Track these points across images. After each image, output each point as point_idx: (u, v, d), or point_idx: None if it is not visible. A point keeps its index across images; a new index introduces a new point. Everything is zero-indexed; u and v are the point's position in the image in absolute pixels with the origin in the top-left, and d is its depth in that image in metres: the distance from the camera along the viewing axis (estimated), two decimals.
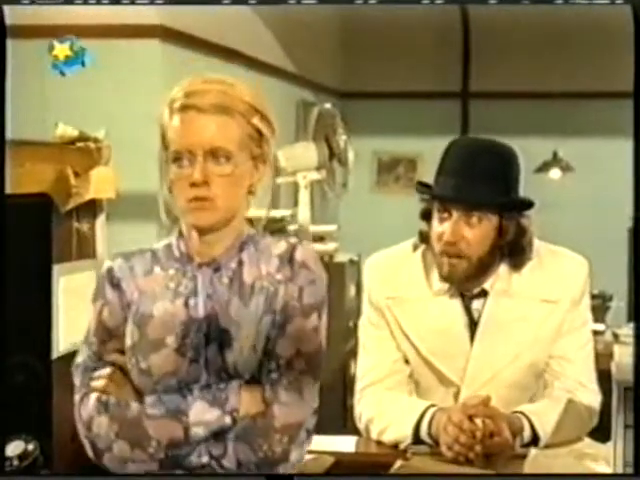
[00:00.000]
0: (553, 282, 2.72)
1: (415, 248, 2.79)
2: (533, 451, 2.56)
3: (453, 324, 2.71)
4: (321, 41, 6.70)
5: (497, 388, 2.68)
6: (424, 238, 2.73)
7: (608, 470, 2.29)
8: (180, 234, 2.13)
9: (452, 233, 2.62)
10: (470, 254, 2.64)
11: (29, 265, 2.92)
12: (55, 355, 2.98)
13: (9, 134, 2.21)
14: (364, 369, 2.80)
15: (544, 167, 6.85)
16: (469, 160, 2.65)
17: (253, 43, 4.99)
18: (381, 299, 2.77)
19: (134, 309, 2.11)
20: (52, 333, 3.00)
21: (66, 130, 3.17)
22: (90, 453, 2.07)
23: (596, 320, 3.16)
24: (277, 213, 4.17)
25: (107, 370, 2.10)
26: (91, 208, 3.25)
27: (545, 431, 2.62)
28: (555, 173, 6.92)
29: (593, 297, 2.89)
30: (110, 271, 2.15)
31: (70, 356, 2.92)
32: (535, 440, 2.61)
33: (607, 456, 2.33)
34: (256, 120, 2.08)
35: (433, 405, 2.66)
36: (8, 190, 2.24)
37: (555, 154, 6.90)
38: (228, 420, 2.02)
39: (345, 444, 2.75)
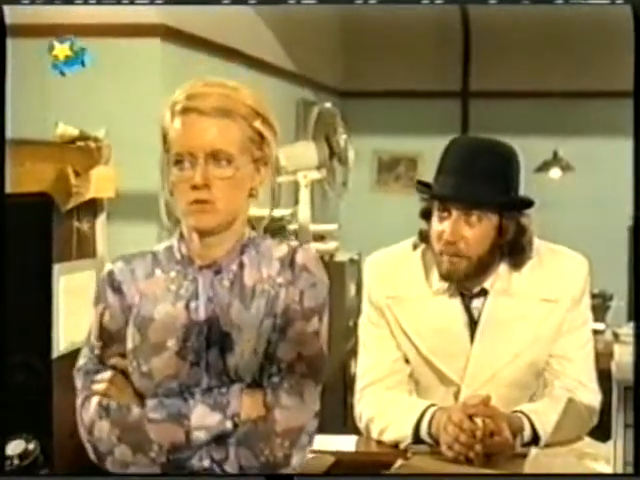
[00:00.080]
0: (553, 281, 2.72)
1: (415, 247, 2.79)
2: (533, 450, 2.56)
3: (453, 323, 2.71)
4: (321, 40, 6.70)
5: (497, 387, 2.68)
6: (424, 237, 2.73)
7: (608, 469, 2.29)
8: (181, 236, 2.13)
9: (452, 232, 2.62)
10: (470, 253, 2.64)
11: (29, 264, 2.93)
12: (55, 354, 2.99)
13: (9, 133, 2.21)
14: (364, 368, 2.80)
15: (544, 166, 6.85)
16: (469, 159, 2.65)
17: (253, 42, 4.99)
18: (381, 298, 2.77)
19: (135, 312, 2.11)
20: (52, 332, 3.00)
21: (66, 129, 3.17)
22: (92, 457, 2.07)
23: (596, 319, 3.16)
24: (277, 212, 4.17)
25: (108, 374, 2.10)
26: (91, 207, 3.26)
27: (545, 430, 2.62)
28: (555, 172, 6.92)
29: (593, 296, 2.89)
30: (111, 274, 2.15)
31: (70, 355, 2.93)
32: (535, 439, 2.61)
33: (607, 455, 2.32)
34: (258, 123, 2.08)
35: (433, 404, 2.66)
36: (8, 189, 2.24)
37: (555, 153, 6.90)
38: (229, 425, 2.02)
39: (345, 443, 2.75)
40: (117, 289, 2.14)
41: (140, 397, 2.07)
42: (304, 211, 4.65)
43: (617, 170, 5.64)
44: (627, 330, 2.26)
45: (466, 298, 2.72)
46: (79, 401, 2.10)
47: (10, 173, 2.26)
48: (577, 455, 2.56)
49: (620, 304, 5.21)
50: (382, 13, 6.01)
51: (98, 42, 3.26)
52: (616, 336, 2.50)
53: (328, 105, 5.20)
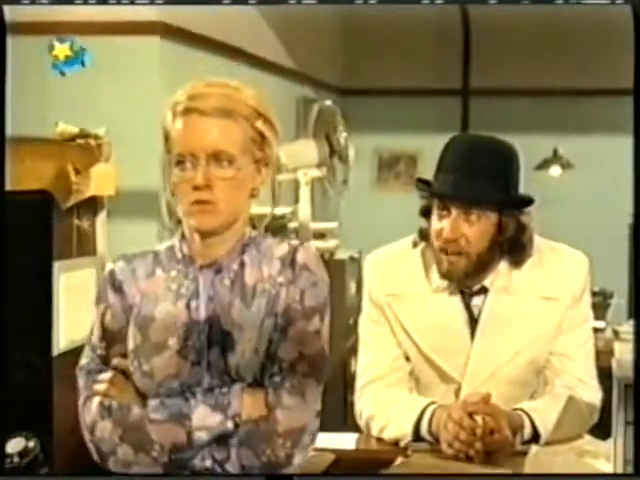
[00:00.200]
0: (553, 279, 2.72)
1: (415, 245, 2.79)
2: (534, 448, 2.56)
3: (453, 321, 2.71)
4: (322, 38, 6.69)
5: (497, 385, 2.68)
6: (424, 235, 2.73)
7: (608, 467, 2.29)
8: (183, 236, 2.13)
9: (451, 230, 2.62)
10: (469, 251, 2.64)
11: (29, 262, 2.92)
12: (56, 352, 2.98)
13: (9, 131, 2.21)
14: (364, 366, 2.80)
15: (544, 164, 6.84)
16: (469, 157, 2.65)
17: (253, 40, 4.98)
18: (381, 296, 2.77)
19: (136, 312, 2.11)
20: (53, 330, 3.00)
21: (66, 127, 3.18)
22: (95, 457, 2.07)
23: (597, 317, 3.16)
24: (278, 210, 4.17)
25: (108, 374, 2.10)
26: (91, 205, 3.26)
27: (546, 428, 2.62)
28: (555, 170, 6.92)
29: (594, 294, 2.89)
30: (112, 274, 2.16)
31: (71, 353, 2.93)
32: (536, 437, 2.61)
33: (607, 453, 2.32)
34: (259, 124, 2.08)
35: (433, 402, 2.66)
36: (8, 187, 2.24)
37: (555, 151, 6.89)
38: (230, 425, 2.02)
39: (346, 441, 2.75)
40: (118, 289, 2.14)
41: (141, 397, 2.07)
42: (304, 209, 4.65)
43: (617, 168, 5.65)
44: (627, 328, 2.27)
45: (466, 296, 2.72)
46: (81, 401, 2.11)
47: (10, 171, 2.26)
48: (577, 453, 2.56)
49: (620, 302, 5.21)
50: (382, 13, 6.01)
51: (97, 40, 3.27)
52: (616, 334, 2.51)
53: (328, 103, 5.20)
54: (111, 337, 2.13)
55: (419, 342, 2.73)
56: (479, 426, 2.53)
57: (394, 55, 7.17)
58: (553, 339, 2.72)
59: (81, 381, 2.13)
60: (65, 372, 2.31)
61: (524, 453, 2.53)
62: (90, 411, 2.07)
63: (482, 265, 2.67)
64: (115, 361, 2.11)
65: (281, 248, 2.12)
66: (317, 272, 2.10)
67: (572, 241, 2.81)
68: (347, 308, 4.65)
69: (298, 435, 2.03)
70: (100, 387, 2.08)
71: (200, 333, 2.06)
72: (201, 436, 2.01)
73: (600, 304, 4.93)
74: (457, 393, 2.72)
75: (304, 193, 4.69)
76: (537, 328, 2.71)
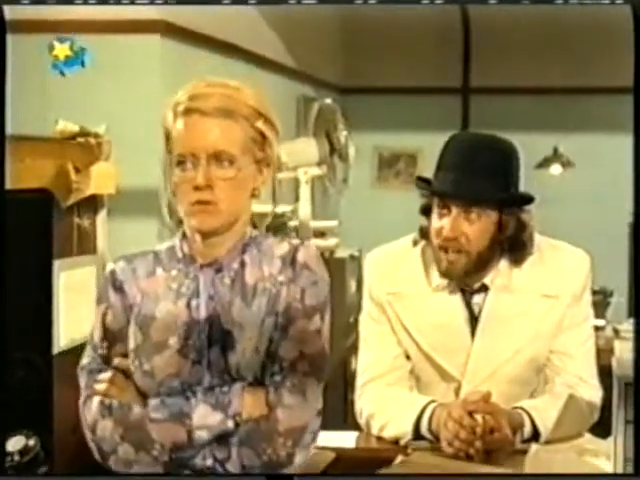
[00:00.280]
0: (554, 277, 2.72)
1: (415, 243, 2.78)
2: (534, 447, 2.56)
3: (454, 319, 2.71)
4: (322, 37, 6.69)
5: (498, 383, 2.68)
6: (424, 233, 2.73)
7: (608, 465, 2.29)
8: (183, 236, 2.13)
9: (451, 229, 2.62)
10: (469, 249, 2.64)
11: (30, 261, 2.92)
12: (56, 350, 2.98)
13: (9, 129, 2.21)
14: (365, 365, 2.80)
15: (545, 163, 6.84)
16: (469, 155, 2.65)
17: (254, 39, 4.98)
18: (382, 294, 2.77)
19: (136, 311, 2.11)
20: (53, 329, 3.00)
21: (67, 125, 3.17)
22: (97, 456, 2.08)
23: (597, 316, 3.15)
24: (278, 209, 4.17)
25: (108, 373, 2.10)
26: (92, 204, 3.26)
27: (546, 426, 2.61)
28: (556, 169, 6.92)
29: (594, 293, 2.88)
30: (113, 274, 2.16)
31: (71, 352, 2.93)
32: (536, 436, 2.61)
33: (607, 452, 2.32)
34: (260, 124, 2.08)
35: (433, 401, 2.66)
36: (8, 185, 2.24)
37: (556, 150, 6.89)
38: (231, 424, 2.01)
39: (346, 440, 2.75)
40: (119, 288, 2.14)
41: (142, 396, 2.07)
42: (304, 207, 4.65)
43: (617, 166, 5.66)
44: (627, 326, 2.27)
45: (467, 294, 2.72)
46: (82, 400, 2.11)
47: (10, 169, 2.25)
48: (577, 451, 2.56)
49: (620, 300, 5.21)
50: (382, 12, 6.01)
51: (98, 38, 3.27)
52: (616, 332, 2.50)
53: (329, 101, 5.20)
54: (112, 337, 2.13)
55: (419, 340, 2.73)
56: (479, 425, 2.53)
57: (394, 52, 7.17)
58: (553, 337, 2.72)
59: (82, 381, 2.13)
60: (65, 370, 2.32)
61: (524, 452, 2.53)
62: (91, 410, 2.07)
63: (482, 263, 2.67)
64: (116, 361, 2.12)
65: (282, 247, 2.12)
66: (318, 271, 2.10)
67: (572, 239, 2.81)
68: (347, 306, 4.65)
69: (299, 434, 2.03)
70: (100, 387, 2.09)
71: (200, 332, 2.06)
72: (202, 435, 2.01)
73: (600, 302, 4.93)
74: (457, 391, 2.72)
75: (304, 191, 4.69)
76: (537, 326, 2.70)
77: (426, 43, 7.16)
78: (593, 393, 2.73)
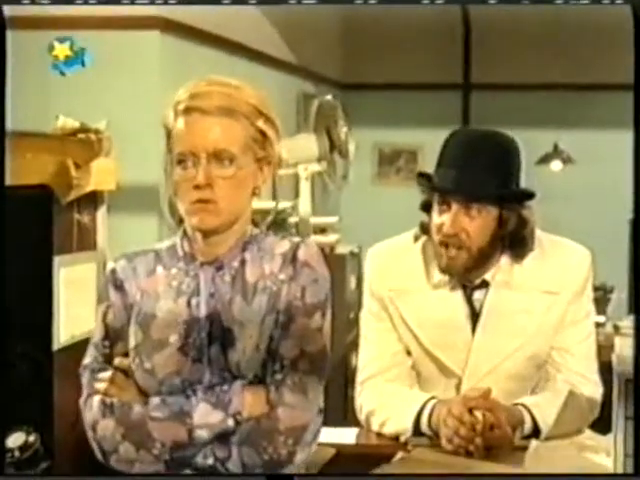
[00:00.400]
0: (555, 273, 2.71)
1: (416, 239, 2.78)
2: (534, 443, 2.56)
3: (454, 315, 2.71)
4: (322, 33, 6.69)
5: (498, 379, 2.68)
6: (425, 230, 2.73)
7: (608, 461, 2.29)
8: (184, 234, 2.13)
9: (452, 225, 2.62)
10: (470, 245, 2.63)
11: (30, 256, 2.93)
12: (56, 347, 2.99)
13: (10, 125, 2.21)
14: (365, 361, 2.80)
15: (545, 159, 6.84)
16: (469, 151, 2.64)
17: (254, 35, 4.98)
18: (382, 290, 2.76)
19: (137, 310, 2.11)
20: (53, 325, 3.00)
21: (67, 121, 3.17)
22: (98, 454, 2.08)
23: (597, 312, 3.15)
24: (278, 205, 4.16)
25: (109, 373, 2.10)
26: (92, 200, 3.26)
27: (546, 423, 2.61)
28: (556, 165, 6.92)
29: (594, 289, 2.88)
30: (113, 272, 2.15)
31: (71, 348, 2.93)
32: (536, 432, 2.61)
33: (607, 448, 2.32)
34: (260, 122, 2.07)
35: (433, 397, 2.66)
36: (9, 181, 2.24)
37: (556, 146, 6.89)
38: (231, 423, 2.01)
39: (346, 436, 2.75)
40: (119, 287, 2.14)
41: (143, 395, 2.07)
42: (305, 204, 4.64)
43: (618, 163, 5.63)
44: (628, 323, 2.26)
45: (468, 290, 2.72)
46: (82, 399, 2.11)
47: (10, 165, 2.25)
48: (578, 448, 2.56)
49: (621, 296, 5.21)
50: (384, 10, 6.01)
51: (98, 34, 3.26)
52: (617, 329, 2.49)
53: (329, 98, 5.19)
54: (113, 336, 2.13)
55: (420, 336, 2.73)
56: (479, 421, 2.53)
57: (395, 48, 7.16)
58: (555, 334, 2.72)
59: (84, 380, 2.13)
60: (65, 366, 2.32)
61: (524, 448, 2.53)
62: (92, 409, 2.07)
63: (483, 259, 2.67)
64: (116, 361, 2.11)
65: (282, 245, 2.12)
66: (318, 269, 2.10)
67: (572, 235, 2.81)
68: (348, 303, 4.65)
69: (300, 433, 2.03)
70: (101, 385, 2.09)
71: (201, 330, 2.06)
72: (202, 434, 2.01)
73: (600, 299, 4.93)
74: (458, 387, 2.72)
75: (304, 188, 4.69)
76: (539, 323, 2.70)
77: (427, 39, 7.15)
78: (594, 390, 2.72)
